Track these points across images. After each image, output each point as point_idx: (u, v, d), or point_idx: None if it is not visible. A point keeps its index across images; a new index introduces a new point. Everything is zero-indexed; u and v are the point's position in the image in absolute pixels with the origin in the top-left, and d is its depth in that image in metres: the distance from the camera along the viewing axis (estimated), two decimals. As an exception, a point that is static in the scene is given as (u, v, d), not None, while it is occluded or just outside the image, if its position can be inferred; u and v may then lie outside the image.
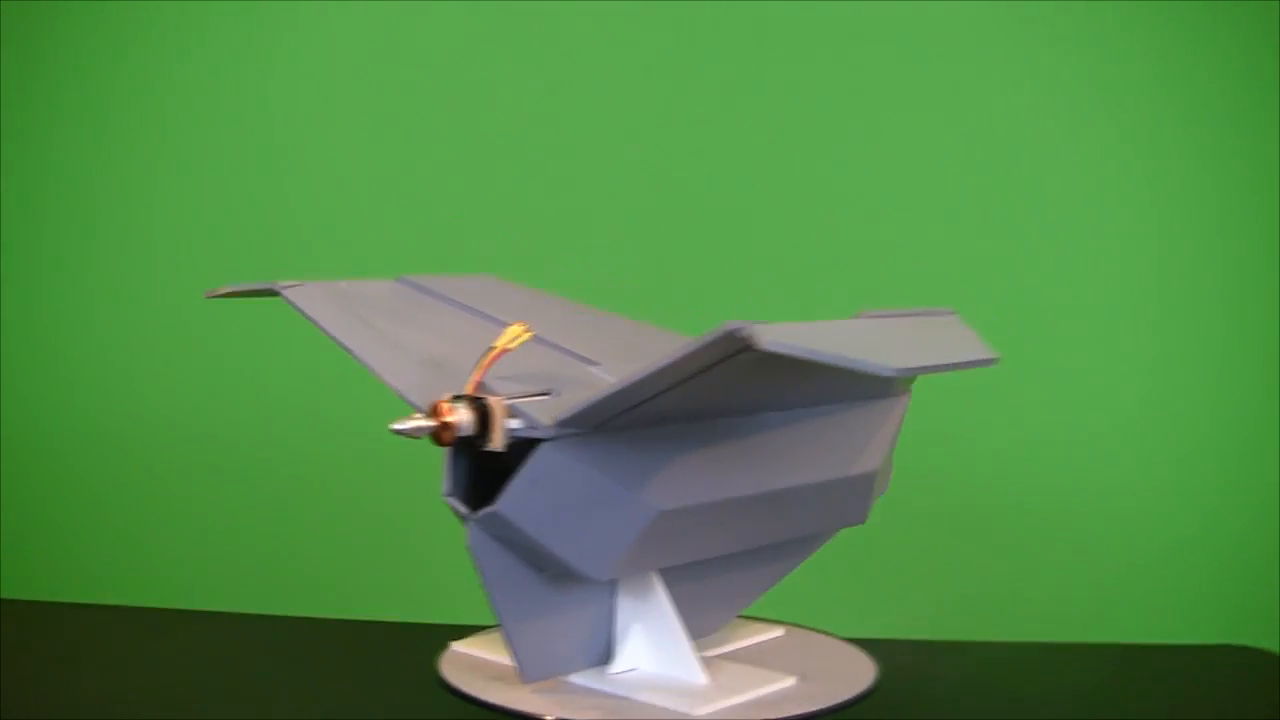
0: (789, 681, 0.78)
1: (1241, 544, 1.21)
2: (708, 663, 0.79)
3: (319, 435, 1.32)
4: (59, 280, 1.36)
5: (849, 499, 0.81)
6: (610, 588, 0.79)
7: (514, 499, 0.71)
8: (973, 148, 1.23)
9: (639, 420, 0.72)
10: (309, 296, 0.84)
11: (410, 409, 0.74)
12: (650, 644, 0.78)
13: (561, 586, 0.77)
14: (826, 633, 0.88)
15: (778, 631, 0.87)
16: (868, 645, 0.86)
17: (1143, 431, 1.22)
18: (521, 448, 0.72)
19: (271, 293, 0.85)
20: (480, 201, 1.30)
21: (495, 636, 0.83)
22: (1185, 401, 1.21)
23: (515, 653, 0.76)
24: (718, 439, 0.75)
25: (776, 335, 0.59)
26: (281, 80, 1.33)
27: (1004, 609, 1.21)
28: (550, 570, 0.75)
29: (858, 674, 0.80)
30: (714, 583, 0.82)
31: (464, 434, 0.71)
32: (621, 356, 0.81)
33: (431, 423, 0.71)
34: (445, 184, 1.30)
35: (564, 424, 0.70)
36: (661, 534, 0.73)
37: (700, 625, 0.82)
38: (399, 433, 0.71)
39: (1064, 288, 1.23)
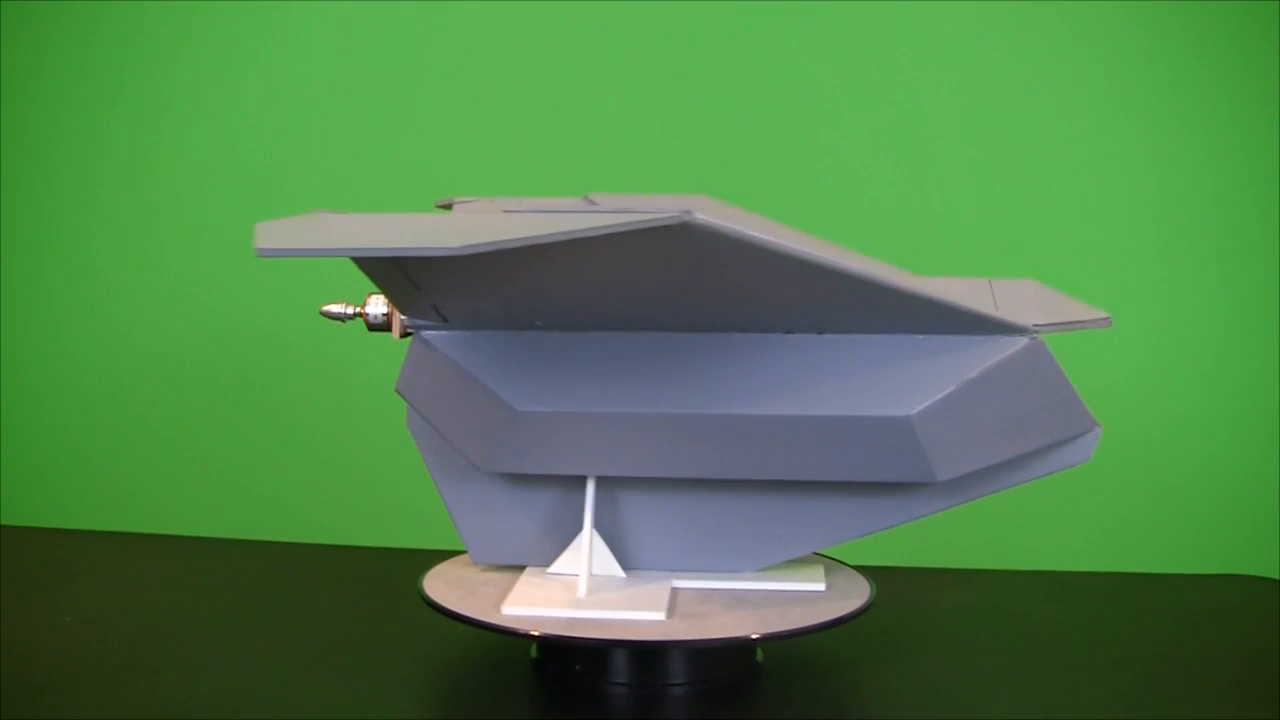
0: (654, 615, 0.74)
1: (1246, 477, 1.18)
2: (655, 588, 0.78)
3: (310, 370, 1.30)
4: (60, 225, 1.33)
5: (870, 446, 0.72)
6: (574, 490, 0.80)
7: (404, 383, 0.80)
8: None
9: (514, 322, 0.75)
10: (467, 208, 0.89)
11: None
12: (576, 551, 0.80)
13: (515, 482, 0.80)
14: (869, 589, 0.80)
15: (819, 585, 0.80)
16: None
17: (1152, 369, 1.20)
18: None
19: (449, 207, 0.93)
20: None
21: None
22: (1192, 346, 1.19)
23: (461, 532, 0.82)
24: (620, 352, 0.75)
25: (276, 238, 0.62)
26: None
27: (1009, 541, 1.20)
28: None
29: (771, 623, 0.74)
30: (745, 521, 0.80)
31: (374, 323, 0.81)
32: None
33: (350, 310, 0.81)
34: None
35: (413, 316, 0.77)
36: (540, 436, 0.74)
37: (737, 559, 0.81)
38: (324, 314, 0.81)
39: (1085, 239, 1.20)
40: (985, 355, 0.72)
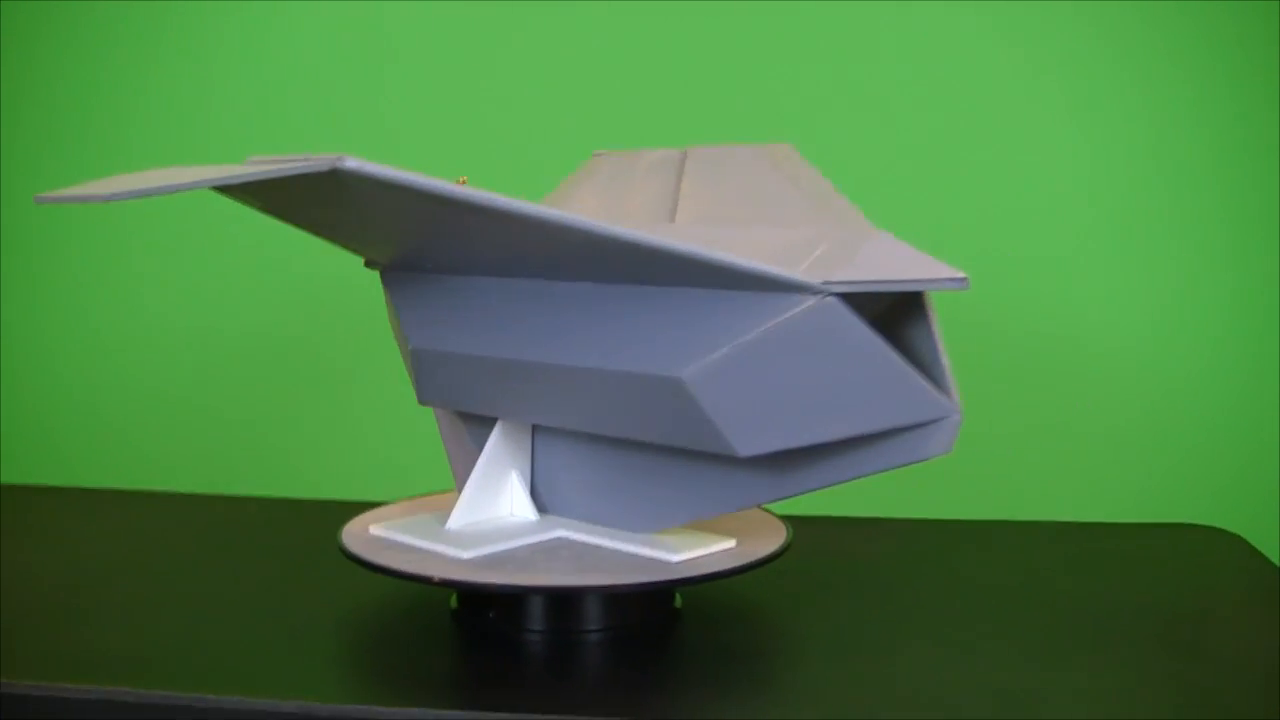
0: (459, 553, 0.75)
1: (1214, 426, 1.18)
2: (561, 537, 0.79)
3: (238, 329, 1.30)
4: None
5: (658, 406, 0.67)
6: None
7: (389, 318, 0.84)
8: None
9: (414, 265, 0.80)
10: (590, 166, 0.91)
11: None
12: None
13: (479, 417, 0.82)
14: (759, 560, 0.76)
15: (673, 556, 0.75)
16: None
17: (1128, 317, 1.20)
18: None
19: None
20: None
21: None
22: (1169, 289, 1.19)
23: (450, 461, 0.86)
24: (489, 296, 0.77)
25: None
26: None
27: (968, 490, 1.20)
28: None
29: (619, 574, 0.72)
30: (642, 481, 0.77)
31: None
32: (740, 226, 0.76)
33: None
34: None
35: (365, 259, 0.83)
36: (431, 372, 0.79)
37: (637, 519, 0.77)
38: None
39: (1074, 194, 1.20)
40: (765, 314, 0.65)
